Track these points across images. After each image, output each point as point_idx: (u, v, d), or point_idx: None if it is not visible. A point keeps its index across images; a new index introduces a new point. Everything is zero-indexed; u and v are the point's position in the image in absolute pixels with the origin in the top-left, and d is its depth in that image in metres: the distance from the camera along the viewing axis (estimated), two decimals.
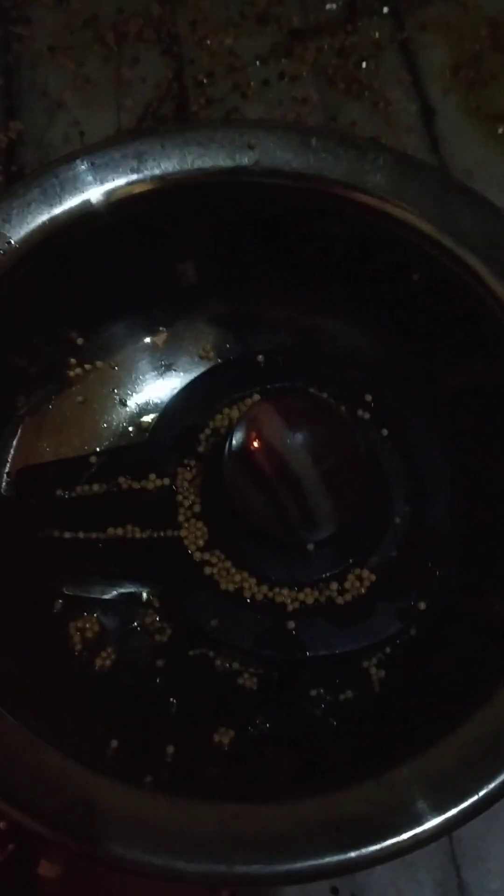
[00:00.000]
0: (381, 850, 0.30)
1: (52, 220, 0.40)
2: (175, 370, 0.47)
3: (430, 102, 0.60)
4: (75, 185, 0.40)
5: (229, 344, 0.47)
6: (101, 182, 0.40)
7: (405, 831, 0.30)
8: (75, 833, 0.30)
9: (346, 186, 0.41)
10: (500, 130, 0.59)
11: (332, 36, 0.62)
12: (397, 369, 0.45)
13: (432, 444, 0.43)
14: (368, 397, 0.44)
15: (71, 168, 0.40)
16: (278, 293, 0.46)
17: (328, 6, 0.64)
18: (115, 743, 0.36)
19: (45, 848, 0.41)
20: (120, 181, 0.40)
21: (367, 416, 0.43)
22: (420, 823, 0.30)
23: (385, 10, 0.64)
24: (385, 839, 0.30)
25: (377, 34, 0.63)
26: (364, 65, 0.61)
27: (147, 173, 0.41)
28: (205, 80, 0.60)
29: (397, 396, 0.44)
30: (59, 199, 0.40)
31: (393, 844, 0.30)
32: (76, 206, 0.40)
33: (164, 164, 0.41)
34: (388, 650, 0.40)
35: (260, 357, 0.45)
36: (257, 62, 0.61)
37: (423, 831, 0.30)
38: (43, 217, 0.40)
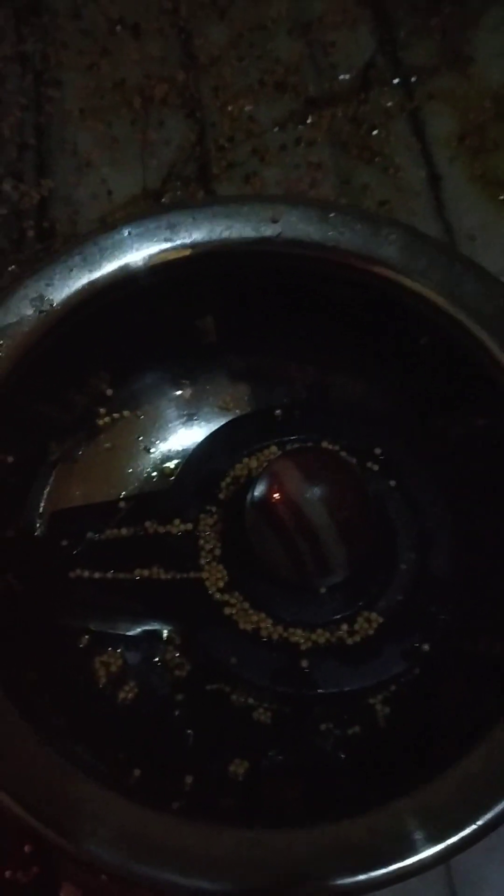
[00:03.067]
0: (386, 874, 0.32)
1: (91, 283, 0.43)
2: (197, 420, 0.50)
3: (437, 169, 0.63)
4: (114, 253, 0.43)
5: (248, 397, 0.50)
6: (137, 250, 0.43)
7: (408, 857, 0.33)
8: (107, 856, 0.33)
9: (361, 258, 0.44)
10: (501, 196, 0.62)
11: (345, 104, 0.66)
12: (404, 423, 0.48)
13: (436, 495, 0.46)
14: (377, 450, 0.46)
15: (110, 237, 0.43)
16: (294, 351, 0.49)
17: (342, 76, 0.67)
18: (137, 772, 0.39)
19: (68, 872, 0.43)
20: (154, 249, 0.44)
21: (375, 467, 0.46)
22: (421, 850, 0.33)
23: (395, 80, 0.67)
24: (389, 864, 0.33)
25: (388, 103, 0.66)
26: (375, 132, 0.65)
27: (178, 242, 0.44)
28: (226, 144, 0.64)
29: (404, 449, 0.47)
30: (99, 264, 0.43)
31: (398, 869, 0.33)
32: (113, 271, 0.43)
33: (194, 235, 0.44)
34: (393, 688, 0.42)
35: (277, 411, 0.47)
36: (275, 128, 0.65)
37: (424, 858, 0.33)
38: (83, 281, 0.43)
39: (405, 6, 0.70)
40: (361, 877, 0.32)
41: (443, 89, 0.67)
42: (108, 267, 0.43)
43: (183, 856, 0.32)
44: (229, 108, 0.65)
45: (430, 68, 0.67)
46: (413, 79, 0.67)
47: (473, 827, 0.34)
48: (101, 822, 0.33)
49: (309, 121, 0.65)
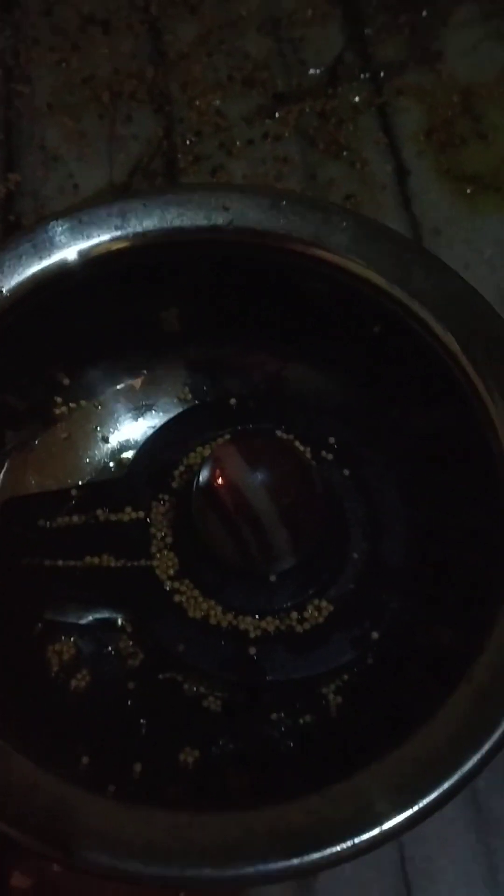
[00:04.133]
0: (322, 858, 0.32)
1: (42, 270, 0.43)
2: (154, 410, 0.50)
3: (404, 163, 0.64)
4: (63, 240, 0.43)
5: (205, 387, 0.50)
6: (88, 237, 0.44)
7: (343, 842, 0.33)
8: (48, 838, 0.33)
9: (312, 245, 0.44)
10: (468, 191, 0.62)
11: (313, 99, 0.66)
12: (360, 413, 0.48)
13: (391, 485, 0.46)
14: (332, 439, 0.46)
15: (59, 224, 0.43)
16: (252, 342, 0.49)
17: (311, 71, 0.67)
18: (86, 759, 0.39)
19: (17, 859, 0.43)
20: (105, 237, 0.44)
21: (330, 457, 0.46)
22: (356, 836, 0.33)
23: (364, 76, 0.67)
24: (326, 848, 0.33)
25: (356, 98, 0.66)
26: (343, 127, 0.65)
27: (129, 230, 0.44)
28: (193, 139, 0.64)
29: (359, 439, 0.47)
30: (49, 252, 0.43)
31: (332, 853, 0.32)
32: (64, 258, 0.43)
33: (145, 223, 0.44)
34: (345, 677, 0.42)
35: (232, 400, 0.48)
36: (243, 122, 0.65)
37: (360, 842, 0.33)
38: (33, 269, 0.43)
39: (375, 3, 0.70)
40: (295, 861, 0.32)
41: (411, 85, 0.67)
42: (58, 255, 0.43)
43: (114, 838, 0.32)
44: (197, 103, 0.65)
45: (399, 64, 0.68)
46: (381, 74, 0.67)
47: (410, 812, 0.33)
48: (34, 803, 0.33)
49: (277, 116, 0.65)
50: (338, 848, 0.32)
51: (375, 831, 0.33)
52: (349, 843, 0.33)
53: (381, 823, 0.33)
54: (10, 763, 0.34)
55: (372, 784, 0.34)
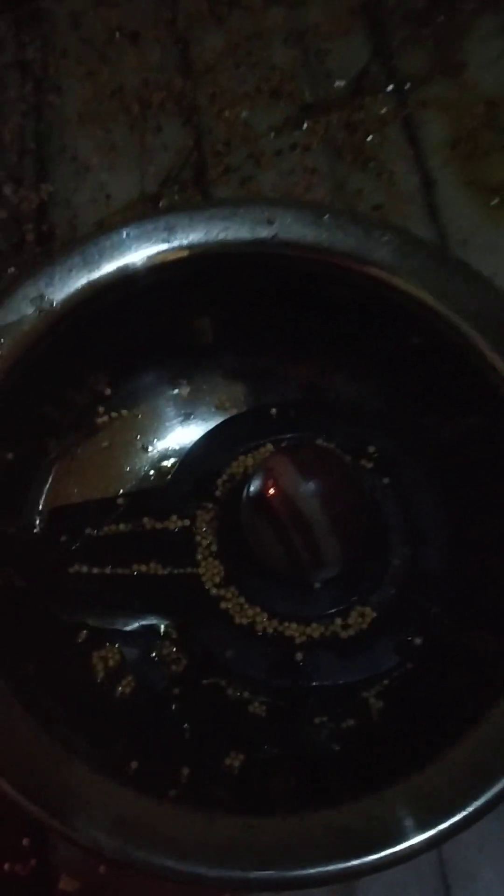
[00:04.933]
0: (380, 859, 0.33)
1: (91, 283, 0.44)
2: (194, 419, 0.51)
3: (429, 174, 0.64)
4: (112, 254, 0.44)
5: (244, 396, 0.51)
6: (136, 250, 0.44)
7: (400, 843, 0.33)
8: (105, 840, 0.34)
9: (354, 259, 0.45)
10: (493, 202, 0.63)
11: (340, 111, 0.66)
12: (397, 422, 0.49)
13: (429, 492, 0.47)
14: (371, 448, 0.47)
15: (109, 238, 0.44)
16: (289, 351, 0.50)
17: (337, 83, 0.68)
18: (135, 764, 0.39)
19: (66, 863, 0.44)
20: (152, 250, 0.45)
21: (370, 465, 0.47)
22: (413, 836, 0.34)
23: (389, 87, 0.68)
24: (382, 850, 0.33)
25: (382, 110, 0.67)
26: (370, 138, 0.65)
27: (176, 243, 0.45)
28: (222, 149, 0.64)
29: (397, 447, 0.48)
30: (98, 265, 0.44)
31: (389, 854, 0.33)
32: (112, 271, 0.44)
33: (191, 236, 0.45)
34: (386, 682, 0.43)
35: (273, 410, 0.48)
36: (271, 134, 0.65)
37: (416, 843, 0.34)
38: (82, 281, 0.44)
39: (398, 15, 0.71)
40: (354, 862, 0.33)
41: (436, 96, 0.68)
42: (107, 267, 0.44)
43: (178, 841, 0.33)
44: (226, 114, 0.66)
45: (423, 76, 0.68)
46: (406, 86, 0.68)
47: (464, 813, 0.34)
48: (100, 809, 0.34)
49: (304, 127, 0.66)
50: (396, 849, 0.33)
51: (432, 832, 0.34)
52: (406, 845, 0.33)
53: (436, 825, 0.34)
54: (75, 772, 0.34)
55: (426, 787, 0.35)
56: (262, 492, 0.40)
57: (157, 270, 0.45)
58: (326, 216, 0.45)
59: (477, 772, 0.35)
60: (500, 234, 0.62)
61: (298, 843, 0.34)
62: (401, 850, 0.34)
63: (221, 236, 0.45)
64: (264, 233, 0.45)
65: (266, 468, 0.41)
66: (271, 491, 0.40)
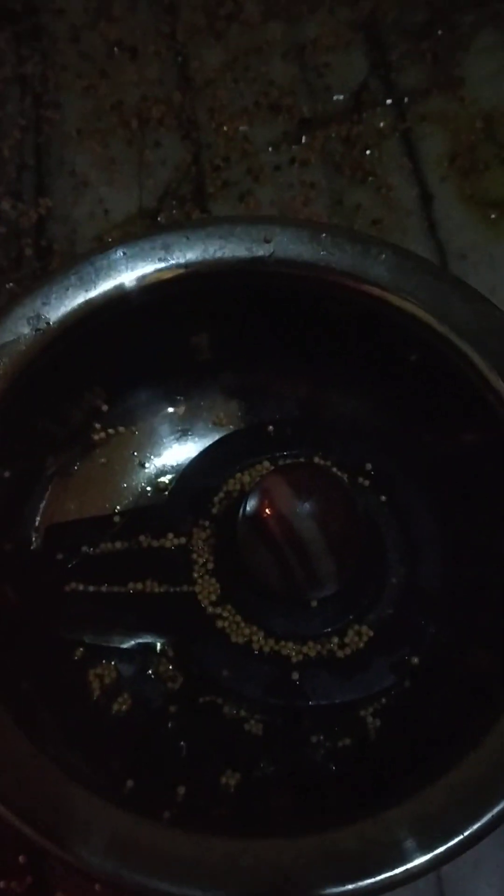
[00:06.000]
0: (375, 883, 0.33)
1: (87, 302, 0.44)
2: (191, 436, 0.51)
3: (428, 188, 0.64)
4: (108, 273, 0.44)
5: (241, 413, 0.51)
6: (132, 269, 0.44)
7: (397, 866, 0.33)
8: (99, 863, 0.33)
9: (352, 277, 0.45)
10: (492, 216, 0.63)
11: (338, 125, 0.67)
12: (395, 439, 0.49)
13: (426, 510, 0.47)
14: (368, 466, 0.47)
15: (105, 257, 0.44)
16: (287, 369, 0.50)
17: (336, 97, 0.68)
18: (130, 782, 0.39)
19: (62, 881, 0.44)
20: (148, 269, 0.45)
21: (366, 483, 0.47)
22: (410, 860, 0.33)
23: (388, 101, 0.68)
24: (379, 873, 0.33)
25: (381, 124, 0.67)
26: (368, 152, 0.66)
27: (173, 262, 0.45)
28: (221, 164, 0.65)
29: (395, 465, 0.48)
30: (94, 284, 0.44)
31: (386, 878, 0.33)
32: (108, 290, 0.44)
33: (188, 255, 0.45)
34: (383, 701, 0.43)
35: (270, 427, 0.48)
36: (269, 148, 0.66)
37: (414, 867, 0.33)
38: (79, 300, 0.44)
39: (397, 30, 0.71)
40: (349, 886, 0.33)
41: (434, 111, 0.68)
42: (104, 286, 0.44)
43: (173, 864, 0.33)
44: (224, 129, 0.66)
45: (422, 90, 0.69)
46: (405, 100, 0.68)
47: (463, 836, 0.34)
48: (94, 830, 0.34)
49: (303, 141, 0.66)
50: (391, 873, 0.33)
51: (430, 855, 0.33)
52: (403, 868, 0.33)
53: (435, 847, 0.34)
54: (70, 792, 0.34)
55: (425, 808, 0.34)
56: (258, 512, 0.40)
57: (153, 289, 0.45)
58: (324, 234, 0.45)
59: (476, 793, 0.35)
60: (499, 248, 0.62)
61: (295, 865, 0.33)
62: (398, 874, 0.33)
63: (218, 255, 0.45)
64: (261, 251, 0.45)
65: (261, 488, 0.41)
66: (267, 511, 0.40)
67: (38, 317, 0.43)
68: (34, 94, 0.68)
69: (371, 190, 0.64)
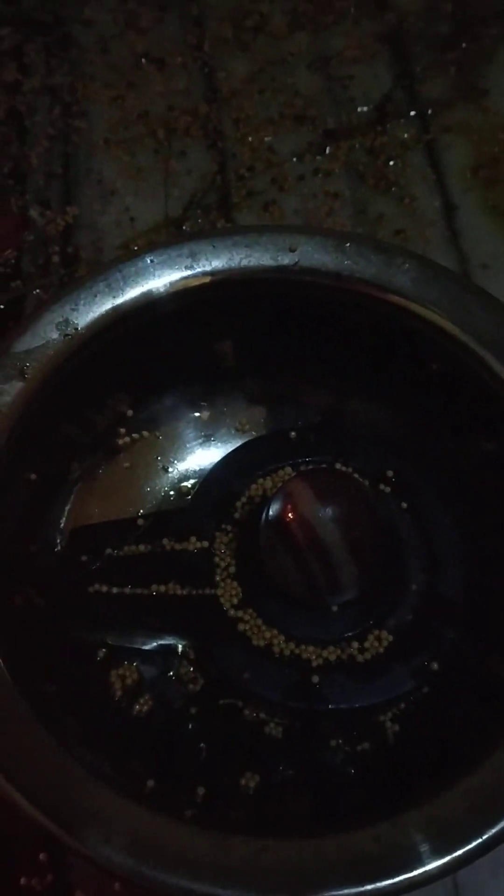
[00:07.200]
0: (394, 884, 0.33)
1: (115, 308, 0.45)
2: (214, 441, 0.51)
3: (451, 199, 0.65)
4: (136, 279, 0.45)
5: (264, 419, 0.51)
6: (159, 276, 0.45)
7: (414, 869, 0.33)
8: (121, 860, 0.34)
9: (375, 287, 0.45)
10: None
11: (363, 136, 0.67)
12: (416, 447, 0.49)
13: (447, 517, 0.47)
14: (389, 472, 0.48)
15: (133, 264, 0.45)
16: (309, 376, 0.51)
17: (360, 109, 0.69)
18: (151, 783, 0.40)
19: (82, 879, 0.44)
20: (175, 276, 0.45)
21: (388, 489, 0.47)
22: (427, 862, 0.33)
23: (412, 113, 0.69)
24: (397, 875, 0.34)
25: (404, 135, 0.68)
26: (392, 163, 0.66)
27: (199, 269, 0.46)
28: (246, 174, 0.66)
29: (416, 472, 0.48)
30: (122, 290, 0.45)
31: (403, 880, 0.33)
32: (136, 296, 0.45)
33: (214, 262, 0.46)
34: (402, 706, 0.43)
35: (292, 433, 0.49)
36: (294, 158, 0.66)
37: (431, 869, 0.33)
38: (107, 306, 0.44)
39: (422, 42, 0.72)
40: (368, 886, 0.33)
41: (458, 122, 0.68)
42: (131, 293, 0.45)
43: (192, 862, 0.33)
44: (250, 139, 0.67)
45: (446, 101, 0.69)
46: (429, 111, 0.69)
47: (480, 840, 0.34)
48: (116, 828, 0.34)
49: (327, 152, 0.67)
50: (411, 875, 0.33)
51: (448, 858, 0.34)
52: (421, 871, 0.34)
53: (452, 851, 0.34)
54: (92, 791, 0.35)
55: (443, 812, 0.35)
56: (280, 517, 0.41)
57: (179, 296, 0.45)
58: (348, 244, 0.45)
59: (494, 797, 0.35)
60: None
61: (313, 866, 0.34)
62: (416, 876, 0.34)
63: (244, 263, 0.46)
64: (286, 260, 0.46)
65: (284, 493, 0.41)
66: (289, 516, 0.40)
67: (67, 322, 0.44)
68: (63, 104, 0.69)
69: (394, 200, 0.65)
